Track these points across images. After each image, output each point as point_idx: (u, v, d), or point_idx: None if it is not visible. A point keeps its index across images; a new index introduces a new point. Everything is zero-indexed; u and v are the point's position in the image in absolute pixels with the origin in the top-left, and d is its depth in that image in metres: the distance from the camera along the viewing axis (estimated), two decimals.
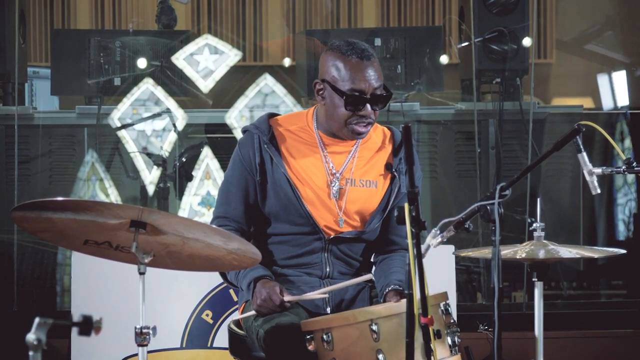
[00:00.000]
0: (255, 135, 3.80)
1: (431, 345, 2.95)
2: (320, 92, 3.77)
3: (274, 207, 3.77)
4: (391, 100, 3.89)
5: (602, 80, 8.01)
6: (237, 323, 3.93)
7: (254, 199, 3.80)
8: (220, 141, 6.92)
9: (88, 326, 2.42)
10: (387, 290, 3.67)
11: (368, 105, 3.68)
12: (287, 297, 3.61)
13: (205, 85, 6.96)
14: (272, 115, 3.89)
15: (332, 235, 3.77)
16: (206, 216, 6.71)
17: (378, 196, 3.81)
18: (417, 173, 3.85)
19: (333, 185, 3.76)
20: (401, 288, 3.63)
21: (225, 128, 6.85)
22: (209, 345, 4.97)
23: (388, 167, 3.82)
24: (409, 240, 2.89)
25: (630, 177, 6.98)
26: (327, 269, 3.79)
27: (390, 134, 3.88)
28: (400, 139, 3.84)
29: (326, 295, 3.71)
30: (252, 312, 3.67)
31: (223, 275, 3.90)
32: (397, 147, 3.84)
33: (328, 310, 3.74)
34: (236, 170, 3.82)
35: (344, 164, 3.79)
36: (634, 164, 3.51)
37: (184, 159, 6.84)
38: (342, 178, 3.77)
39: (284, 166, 3.76)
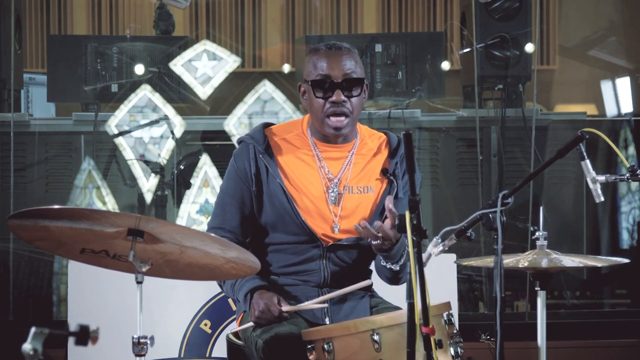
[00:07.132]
0: (250, 145, 3.81)
1: (433, 355, 2.93)
2: (303, 95, 3.81)
3: (270, 217, 3.77)
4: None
5: (606, 86, 7.99)
6: (235, 333, 3.92)
7: (249, 210, 3.79)
8: (219, 148, 6.90)
9: (85, 336, 2.42)
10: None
11: (339, 92, 3.68)
12: (285, 307, 3.61)
13: (203, 91, 6.94)
14: (267, 125, 3.90)
15: (330, 242, 3.76)
16: (204, 224, 6.67)
17: (374, 201, 3.79)
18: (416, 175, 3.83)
19: (331, 191, 3.75)
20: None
21: (223, 135, 6.82)
22: (207, 355, 4.95)
23: (384, 172, 3.81)
24: (410, 249, 2.87)
25: (634, 185, 6.97)
26: (325, 276, 3.76)
27: (386, 139, 3.88)
28: (397, 143, 3.84)
29: (325, 305, 3.70)
30: (251, 324, 3.67)
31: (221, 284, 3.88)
32: (393, 151, 3.82)
33: (327, 320, 3.73)
34: (231, 182, 3.82)
35: (341, 171, 3.78)
36: (638, 171, 3.49)
37: (182, 167, 6.81)
38: (340, 184, 3.75)
39: (280, 176, 3.76)
